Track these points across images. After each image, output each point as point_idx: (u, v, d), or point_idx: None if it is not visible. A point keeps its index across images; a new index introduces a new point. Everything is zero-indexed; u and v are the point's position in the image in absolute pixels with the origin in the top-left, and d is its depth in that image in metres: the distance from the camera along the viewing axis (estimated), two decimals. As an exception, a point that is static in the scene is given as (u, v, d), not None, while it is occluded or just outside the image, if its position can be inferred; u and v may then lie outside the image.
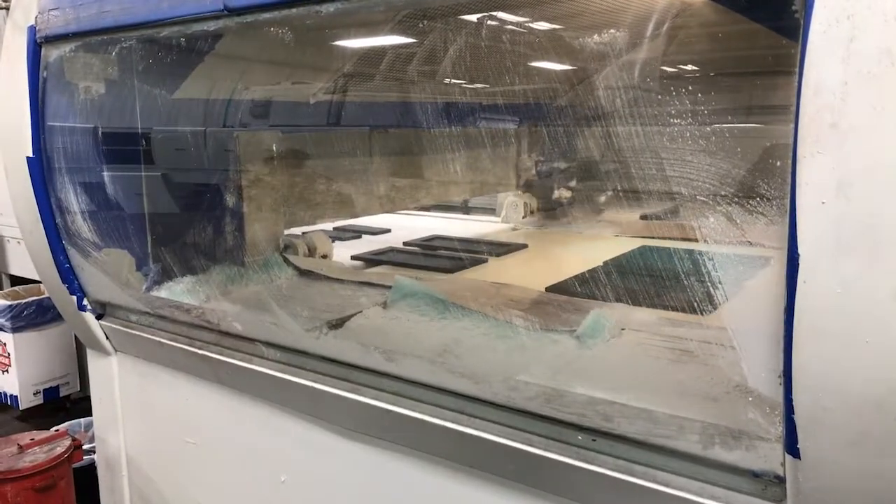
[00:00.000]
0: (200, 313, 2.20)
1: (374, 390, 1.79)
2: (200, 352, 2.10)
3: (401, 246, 4.05)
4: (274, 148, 3.22)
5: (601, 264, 3.50)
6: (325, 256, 3.39)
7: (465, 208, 5.71)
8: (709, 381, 1.76)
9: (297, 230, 3.51)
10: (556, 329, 2.40)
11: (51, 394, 4.91)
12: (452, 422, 1.64)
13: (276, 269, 3.06)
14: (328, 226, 4.07)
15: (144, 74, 2.45)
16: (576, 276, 3.18)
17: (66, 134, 2.38)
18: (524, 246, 4.14)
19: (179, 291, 2.59)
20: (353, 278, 3.02)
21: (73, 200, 2.36)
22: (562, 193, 5.00)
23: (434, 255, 3.84)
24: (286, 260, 3.15)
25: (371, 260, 3.56)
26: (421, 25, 2.78)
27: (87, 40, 2.18)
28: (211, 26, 1.78)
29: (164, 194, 2.72)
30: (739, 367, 1.65)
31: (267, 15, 1.66)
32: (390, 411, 1.73)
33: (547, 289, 3.00)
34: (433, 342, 2.39)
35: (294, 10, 1.58)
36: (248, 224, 3.07)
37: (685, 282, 3.10)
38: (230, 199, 3.01)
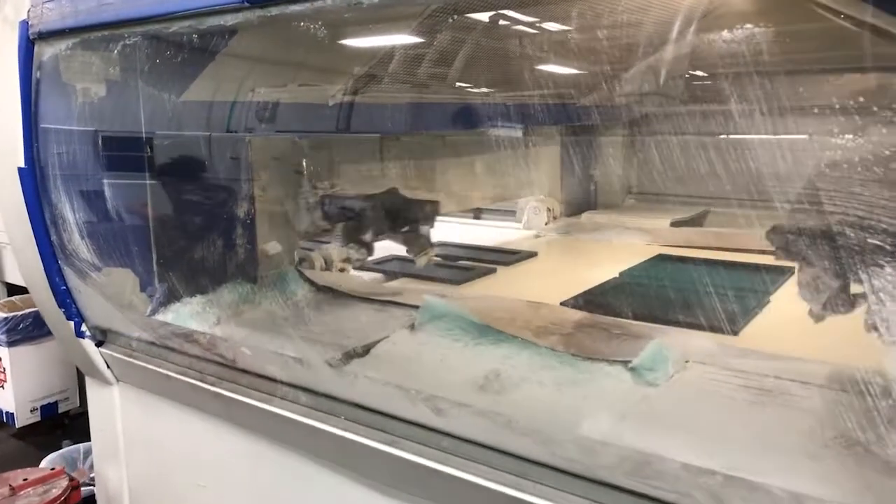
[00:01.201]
0: (211, 342, 1.96)
1: (416, 444, 1.55)
2: (211, 388, 1.86)
3: (404, 254, 3.69)
4: (288, 154, 2.98)
5: (616, 276, 3.29)
6: (342, 269, 3.15)
7: (485, 212, 5.45)
8: (816, 434, 1.52)
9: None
10: (608, 359, 2.17)
11: (49, 410, 4.67)
12: (514, 488, 1.40)
13: (291, 286, 2.82)
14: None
15: (150, 75, 2.21)
16: (590, 290, 2.98)
17: (62, 141, 2.14)
18: (533, 254, 3.90)
19: (187, 314, 2.35)
20: (375, 295, 2.78)
21: (70, 215, 2.12)
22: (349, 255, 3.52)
23: (439, 265, 3.57)
24: (302, 275, 2.91)
25: (372, 269, 3.32)
26: (452, 21, 2.54)
27: (85, 37, 1.94)
28: (228, 20, 1.54)
29: (170, 206, 2.49)
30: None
31: (296, 7, 1.42)
32: (436, 471, 1.49)
33: (561, 304, 2.79)
34: (470, 372, 2.15)
35: (329, 1, 1.34)
36: (260, 236, 2.83)
37: (723, 299, 2.89)
38: (242, 210, 2.77)
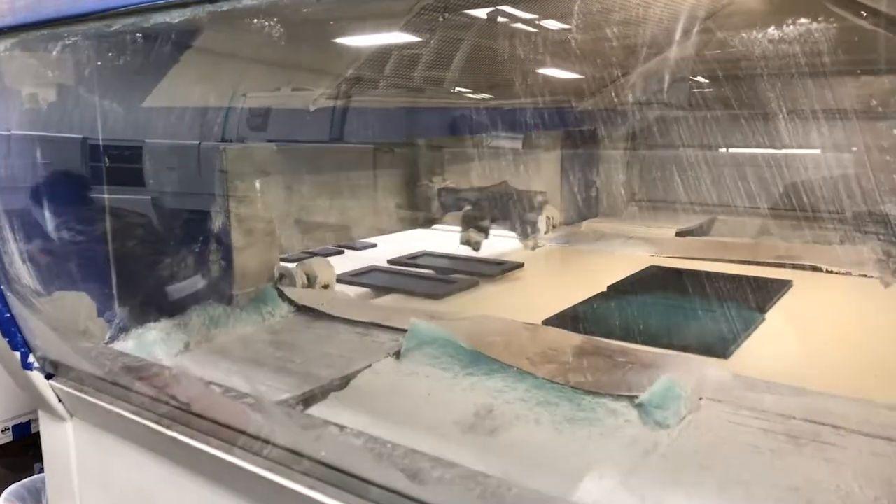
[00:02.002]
0: (164, 381, 1.75)
1: (392, 511, 1.33)
2: (168, 432, 1.65)
3: (384, 265, 3.59)
4: (267, 164, 2.77)
5: (604, 290, 3.10)
6: (326, 286, 2.93)
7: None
8: (856, 497, 1.30)
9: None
10: (612, 394, 1.96)
11: (21, 431, 4.45)
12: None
13: (269, 305, 2.61)
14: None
15: (105, 78, 2.00)
16: (574, 307, 2.80)
17: (2, 152, 1.93)
18: (520, 265, 3.65)
19: (151, 340, 2.15)
20: (359, 316, 2.56)
21: (10, 234, 1.91)
22: (471, 237, 3.81)
23: (419, 277, 3.41)
24: (281, 293, 2.69)
25: (348, 282, 3.13)
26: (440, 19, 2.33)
27: (25, 36, 1.73)
28: (175, 17, 1.33)
29: (132, 221, 2.28)
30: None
31: (249, 2, 1.21)
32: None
33: (544, 322, 2.58)
34: (460, 409, 1.94)
35: (285, -5, 1.14)
36: (236, 252, 2.62)
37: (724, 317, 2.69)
38: (215, 224, 2.56)
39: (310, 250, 3.39)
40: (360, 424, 1.89)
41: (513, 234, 4.01)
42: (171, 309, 2.28)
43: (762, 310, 2.79)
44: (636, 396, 1.90)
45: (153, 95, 2.12)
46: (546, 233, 4.45)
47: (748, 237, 3.91)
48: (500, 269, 3.54)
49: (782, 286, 3.16)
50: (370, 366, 2.13)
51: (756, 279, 3.28)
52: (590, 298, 2.98)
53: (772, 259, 3.59)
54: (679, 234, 4.28)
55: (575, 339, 2.36)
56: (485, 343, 2.25)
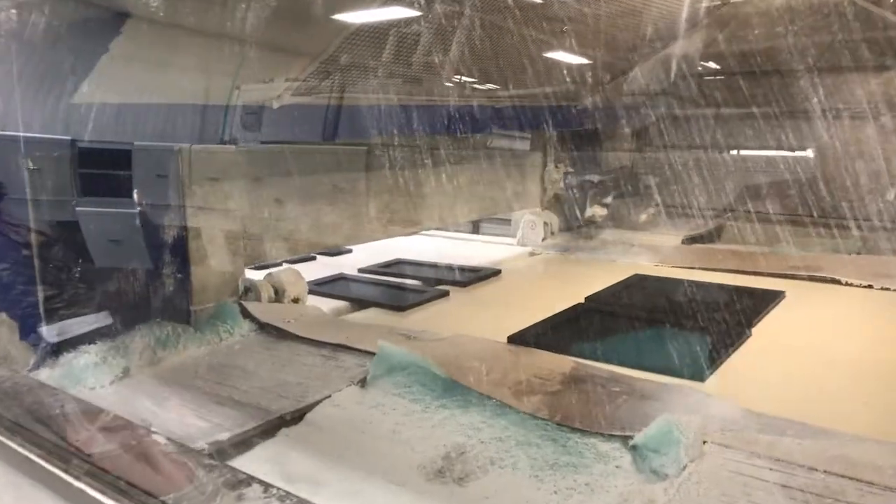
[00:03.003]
0: (80, 423, 1.50)
1: None
2: (76, 483, 1.40)
3: (354, 273, 3.39)
4: (229, 166, 2.53)
5: (582, 301, 2.90)
6: (296, 300, 2.68)
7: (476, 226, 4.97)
8: None
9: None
10: (603, 432, 1.70)
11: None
12: None
13: (228, 324, 2.37)
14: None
15: (30, 69, 1.76)
16: (544, 321, 2.57)
17: None
18: (497, 273, 3.47)
19: (82, 367, 1.91)
20: (327, 335, 2.31)
21: None
22: (595, 211, 4.28)
23: (386, 286, 3.21)
24: (243, 309, 2.45)
25: (312, 291, 2.89)
26: None
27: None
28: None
29: (64, 231, 2.03)
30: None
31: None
32: None
33: (509, 338, 2.37)
34: (428, 450, 1.68)
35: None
36: (194, 264, 2.38)
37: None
38: (169, 234, 2.32)
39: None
40: (307, 470, 1.65)
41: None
42: (110, 330, 2.03)
43: (749, 324, 2.59)
44: (630, 437, 1.65)
45: (87, 86, 1.87)
46: (544, 239, 4.20)
47: (762, 245, 3.63)
48: (475, 276, 3.36)
49: (773, 298, 2.96)
50: (330, 396, 1.88)
51: (746, 289, 3.05)
52: (563, 311, 2.77)
53: (786, 270, 3.30)
54: (686, 240, 4.01)
55: (564, 363, 2.10)
56: (463, 368, 1.99)
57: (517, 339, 2.37)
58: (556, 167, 4.26)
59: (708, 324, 2.53)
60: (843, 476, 1.40)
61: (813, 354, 2.34)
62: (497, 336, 2.38)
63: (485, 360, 2.11)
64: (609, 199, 4.35)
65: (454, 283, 3.20)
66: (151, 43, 1.96)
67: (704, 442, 1.55)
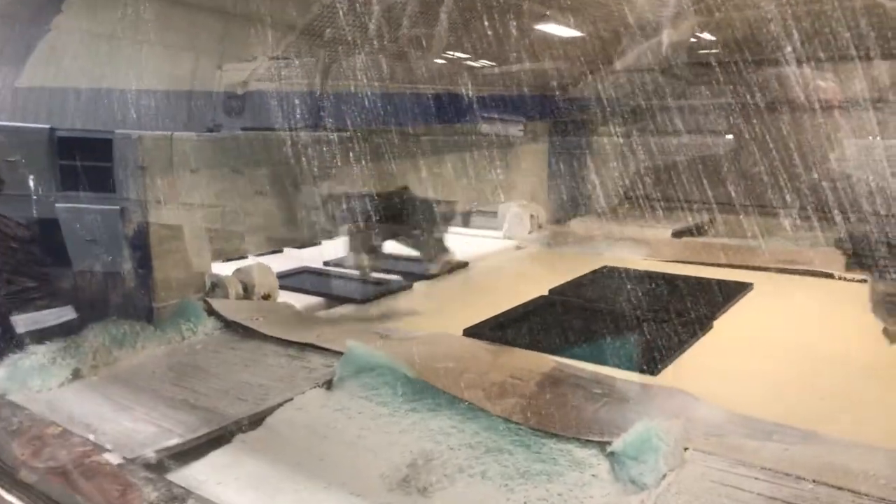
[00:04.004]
0: (14, 432, 1.39)
1: None
2: (7, 497, 1.29)
3: (317, 266, 3.31)
4: (194, 154, 2.42)
5: (546, 293, 2.84)
6: (267, 297, 2.57)
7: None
8: None
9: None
10: (579, 437, 1.59)
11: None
12: None
13: (191, 322, 2.26)
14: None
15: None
16: (503, 314, 2.52)
17: None
18: (464, 265, 3.38)
19: (28, 368, 1.80)
20: (293, 335, 2.20)
21: None
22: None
23: (351, 279, 3.12)
24: (208, 306, 2.34)
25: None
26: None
27: None
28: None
29: (10, 224, 1.91)
30: None
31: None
32: None
33: (465, 331, 2.33)
34: (392, 456, 1.57)
35: None
36: (156, 258, 2.27)
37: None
38: (128, 226, 2.21)
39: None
40: (262, 479, 1.54)
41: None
42: (62, 328, 1.92)
43: (711, 317, 2.53)
44: (608, 442, 1.54)
45: (31, 66, 1.74)
46: (531, 232, 4.10)
47: (753, 238, 3.53)
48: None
49: (740, 290, 2.89)
50: (292, 399, 1.77)
51: (714, 281, 3.00)
52: (523, 304, 2.70)
53: (778, 264, 3.21)
54: (676, 234, 3.90)
55: (544, 363, 1.99)
56: (434, 371, 1.88)
57: (473, 332, 2.33)
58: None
59: (671, 316, 2.48)
60: (833, 486, 1.30)
61: (774, 347, 2.27)
62: (455, 328, 2.33)
63: (460, 359, 2.00)
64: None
65: (418, 275, 3.15)
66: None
67: (686, 448, 1.45)
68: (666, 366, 2.06)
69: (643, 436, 1.43)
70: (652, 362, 2.06)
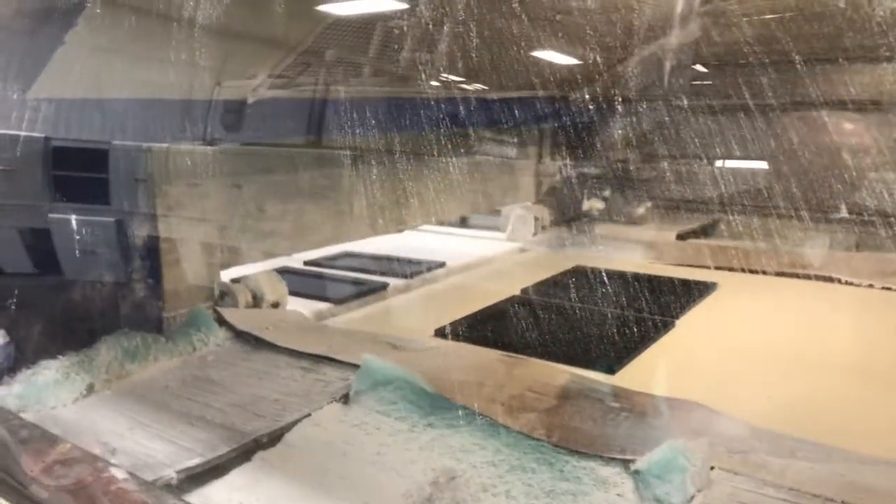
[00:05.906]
0: (29, 453, 1.37)
1: None
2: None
3: (297, 267, 3.34)
4: (205, 166, 2.39)
5: (518, 293, 2.94)
6: (276, 305, 2.55)
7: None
8: None
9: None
10: (602, 454, 1.59)
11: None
12: None
13: (202, 332, 2.24)
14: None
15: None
16: (475, 314, 2.59)
17: None
18: (441, 265, 3.44)
19: (42, 384, 1.77)
20: (305, 346, 2.19)
21: None
22: (592, 204, 4.18)
23: (328, 279, 3.18)
24: (219, 316, 2.32)
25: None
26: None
27: None
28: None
29: (19, 236, 1.89)
30: None
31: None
32: None
33: (436, 331, 2.39)
34: (415, 474, 1.57)
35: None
36: (165, 268, 2.24)
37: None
38: (139, 236, 2.18)
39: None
40: (284, 499, 1.53)
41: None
42: (74, 342, 1.90)
43: (675, 316, 2.62)
44: (632, 461, 1.54)
45: (43, 79, 1.71)
46: (535, 234, 4.08)
47: (761, 242, 3.53)
48: (420, 268, 3.36)
49: (705, 290, 3.00)
50: (310, 415, 1.76)
51: (680, 281, 3.11)
52: (493, 304, 2.76)
53: (783, 268, 3.22)
54: (680, 236, 3.90)
55: (560, 376, 1.98)
56: (450, 384, 1.87)
57: (443, 333, 2.39)
58: (553, 159, 4.18)
59: (635, 315, 2.56)
60: (862, 508, 1.29)
61: (735, 346, 2.36)
62: (427, 330, 2.41)
63: (476, 372, 1.99)
64: (607, 193, 4.27)
65: (398, 275, 3.21)
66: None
67: (712, 468, 1.45)
68: (624, 365, 2.15)
69: (668, 455, 1.42)
70: (612, 361, 2.15)
